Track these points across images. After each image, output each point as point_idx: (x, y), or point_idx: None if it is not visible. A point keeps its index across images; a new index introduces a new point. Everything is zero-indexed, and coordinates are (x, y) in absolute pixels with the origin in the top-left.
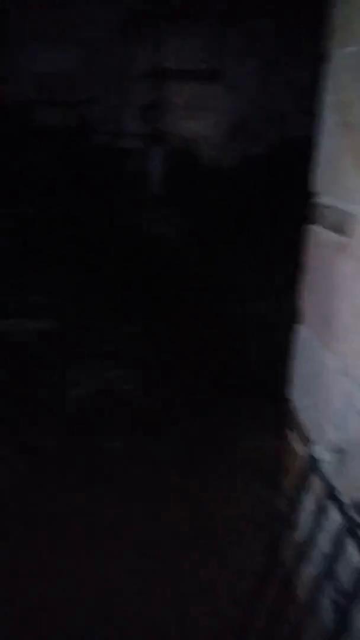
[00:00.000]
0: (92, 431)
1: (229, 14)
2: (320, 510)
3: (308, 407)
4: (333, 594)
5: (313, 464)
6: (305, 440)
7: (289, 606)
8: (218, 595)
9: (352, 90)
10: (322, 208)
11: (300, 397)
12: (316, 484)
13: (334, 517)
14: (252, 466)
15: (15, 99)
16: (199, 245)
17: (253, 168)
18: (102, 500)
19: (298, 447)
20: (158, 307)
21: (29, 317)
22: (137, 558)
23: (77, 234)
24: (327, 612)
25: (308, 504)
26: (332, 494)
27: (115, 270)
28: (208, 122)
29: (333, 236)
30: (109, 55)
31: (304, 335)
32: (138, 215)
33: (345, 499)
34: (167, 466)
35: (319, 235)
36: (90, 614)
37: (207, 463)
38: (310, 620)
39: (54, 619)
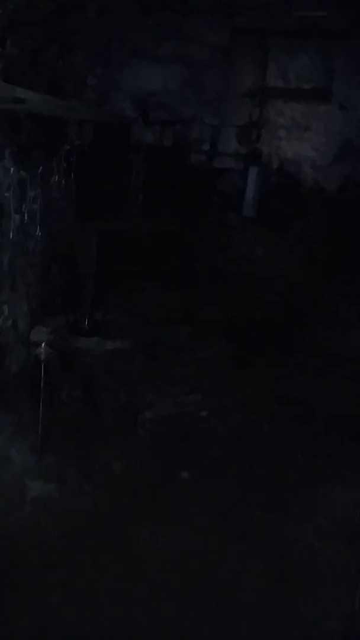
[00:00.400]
0: (163, 456)
1: (339, 32)
2: None
3: None
4: None
5: None
6: None
7: None
8: None
9: None
10: None
11: None
12: None
13: None
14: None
15: (116, 116)
16: (294, 269)
17: (359, 192)
18: (167, 530)
19: None
20: (245, 331)
21: (104, 337)
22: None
23: (168, 252)
24: None
25: None
26: None
27: (202, 291)
28: (312, 142)
29: None
30: (212, 74)
31: None
32: (232, 235)
33: None
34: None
35: None
36: None
37: (280, 510)
38: None
39: None
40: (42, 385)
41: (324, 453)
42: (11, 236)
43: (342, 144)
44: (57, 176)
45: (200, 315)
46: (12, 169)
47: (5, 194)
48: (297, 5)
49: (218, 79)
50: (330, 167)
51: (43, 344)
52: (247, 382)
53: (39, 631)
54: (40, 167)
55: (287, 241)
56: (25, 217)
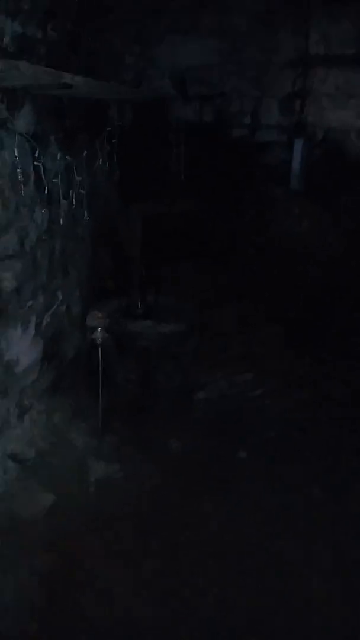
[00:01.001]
0: (218, 436)
1: None
2: None
3: None
4: None
5: None
6: None
7: None
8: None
9: None
10: None
11: None
12: None
13: None
14: None
15: (154, 94)
16: (340, 243)
17: None
18: (224, 510)
19: None
20: (295, 309)
21: (157, 320)
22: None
23: (213, 232)
24: None
25: None
26: None
27: (248, 269)
28: (358, 110)
29: None
30: (251, 45)
31: None
32: (277, 210)
33: None
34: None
35: None
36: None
37: (340, 493)
38: None
39: None
40: (100, 368)
41: None
42: (61, 222)
43: None
44: (100, 159)
45: (248, 294)
46: (58, 154)
47: (54, 180)
48: None
49: (257, 49)
50: None
51: (99, 329)
52: (298, 361)
53: (104, 612)
54: (85, 152)
55: (334, 214)
56: (74, 203)
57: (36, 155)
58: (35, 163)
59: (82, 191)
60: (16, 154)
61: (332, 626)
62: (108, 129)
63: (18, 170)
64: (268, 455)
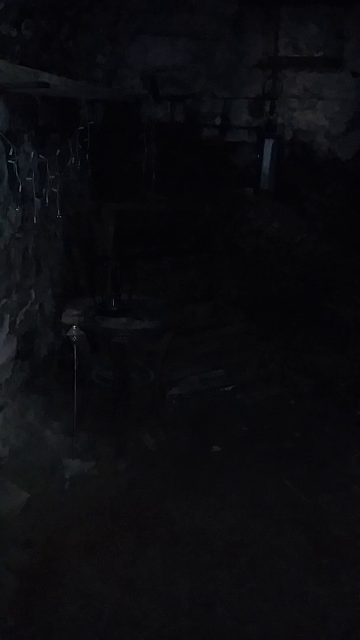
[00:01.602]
0: (192, 431)
1: None
2: None
3: None
4: None
5: None
6: None
7: None
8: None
9: None
10: None
11: None
12: None
13: None
14: None
15: (126, 93)
16: (311, 242)
17: None
18: (199, 504)
19: None
20: (265, 306)
21: (131, 317)
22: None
23: (183, 229)
24: None
25: None
26: None
27: (219, 267)
28: (325, 112)
29: None
30: (221, 46)
31: None
32: (248, 210)
33: None
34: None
35: None
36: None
37: (312, 481)
38: None
39: None
40: (75, 366)
41: (352, 423)
42: (35, 220)
43: (356, 112)
44: (73, 158)
45: (220, 291)
46: (32, 153)
47: (27, 179)
48: None
49: (228, 51)
50: (345, 135)
51: (74, 326)
52: (269, 356)
53: (81, 610)
54: (58, 150)
55: (304, 213)
56: (47, 201)
57: (10, 153)
58: (9, 161)
59: (55, 189)
60: None
61: (305, 605)
62: (80, 127)
63: None
64: (240, 449)
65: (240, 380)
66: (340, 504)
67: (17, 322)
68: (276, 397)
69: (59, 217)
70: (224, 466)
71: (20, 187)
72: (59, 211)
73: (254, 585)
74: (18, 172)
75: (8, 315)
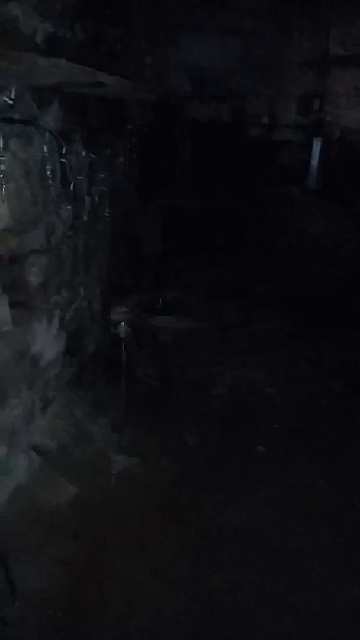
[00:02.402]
0: (232, 430)
1: None
2: None
3: None
4: None
5: None
6: None
7: None
8: None
9: None
10: None
11: None
12: None
13: None
14: None
15: (172, 93)
16: (358, 242)
17: None
18: (242, 503)
19: None
20: (308, 306)
21: (177, 315)
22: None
23: (229, 227)
24: None
25: None
26: None
27: (265, 265)
28: None
29: None
30: (269, 45)
31: None
32: (294, 208)
33: None
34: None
35: None
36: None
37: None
38: None
39: None
40: (123, 363)
41: None
42: (85, 218)
43: None
44: (121, 157)
45: (251, 289)
46: (83, 152)
47: (78, 177)
48: None
49: (275, 49)
50: None
51: (122, 323)
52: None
53: (125, 604)
54: (107, 149)
55: (351, 213)
56: (96, 200)
57: (62, 152)
58: (61, 160)
59: (104, 188)
60: (45, 150)
61: (339, 603)
62: (129, 127)
63: (47, 167)
64: (274, 447)
65: (277, 379)
66: None
67: (67, 318)
68: (308, 396)
69: (107, 216)
70: (260, 465)
71: (71, 185)
72: (107, 210)
73: (287, 582)
74: (69, 171)
75: (58, 312)
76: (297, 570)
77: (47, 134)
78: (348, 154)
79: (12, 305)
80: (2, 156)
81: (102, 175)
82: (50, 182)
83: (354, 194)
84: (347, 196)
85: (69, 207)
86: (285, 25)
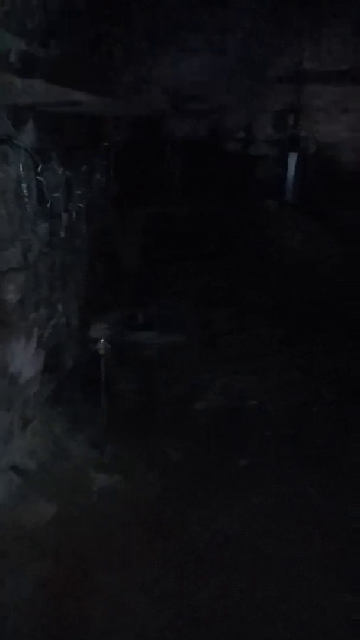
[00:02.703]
0: (217, 444)
1: None
2: None
3: None
4: None
5: None
6: None
7: None
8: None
9: None
10: None
11: None
12: None
13: None
14: None
15: (150, 109)
16: (334, 254)
17: None
18: (225, 516)
19: None
20: (290, 316)
21: (158, 331)
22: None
23: (208, 243)
24: None
25: None
26: None
27: (245, 277)
28: (351, 125)
29: None
30: (245, 61)
31: None
32: (271, 222)
33: None
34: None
35: None
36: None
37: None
38: None
39: None
40: (102, 379)
41: None
42: (62, 235)
43: None
44: (98, 174)
45: (242, 296)
46: (59, 169)
47: (55, 195)
48: None
49: (252, 65)
50: None
51: (102, 340)
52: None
53: (109, 622)
54: (84, 166)
55: (327, 227)
56: (73, 216)
57: (39, 170)
58: (38, 178)
59: (81, 205)
60: (21, 168)
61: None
62: (105, 144)
63: (22, 184)
64: (264, 455)
65: (265, 390)
66: None
67: (45, 335)
68: (299, 404)
69: (85, 232)
70: (248, 475)
71: (48, 203)
72: (84, 226)
73: (279, 590)
74: (46, 189)
75: (36, 329)
76: (288, 579)
77: (23, 152)
78: (324, 169)
79: None
80: None
81: (79, 192)
82: (26, 200)
83: (331, 208)
84: (323, 210)
85: (45, 225)
86: (261, 42)
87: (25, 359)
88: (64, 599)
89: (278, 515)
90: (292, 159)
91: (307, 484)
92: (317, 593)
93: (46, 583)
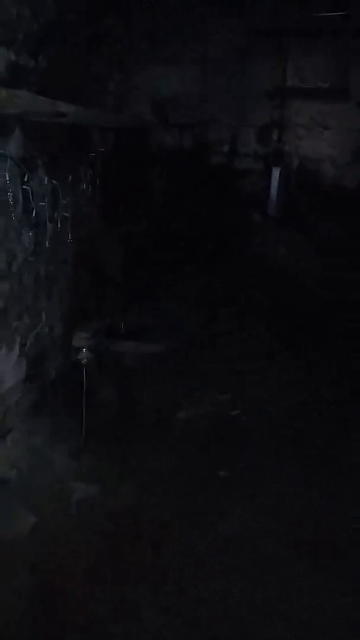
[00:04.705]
0: (198, 455)
1: (355, 31)
2: None
3: None
4: None
5: None
6: None
7: None
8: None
9: None
10: None
11: None
12: None
13: None
14: None
15: (136, 120)
16: (317, 267)
17: None
18: (205, 529)
19: None
20: (273, 329)
21: (140, 340)
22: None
23: (191, 256)
24: None
25: None
26: None
27: (226, 293)
28: (332, 141)
29: None
30: (230, 76)
31: None
32: (254, 235)
33: None
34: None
35: None
36: None
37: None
38: None
39: None
40: (84, 389)
41: None
42: (47, 244)
43: None
44: (84, 183)
45: (225, 313)
46: (45, 178)
47: (40, 204)
48: (315, 4)
49: (236, 80)
50: (350, 164)
51: (84, 349)
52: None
53: (88, 637)
54: (70, 176)
55: (310, 239)
56: (58, 225)
57: (25, 179)
58: (24, 187)
59: (66, 214)
60: (7, 178)
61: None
62: (92, 154)
63: (9, 193)
64: (248, 473)
65: (248, 402)
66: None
67: (28, 344)
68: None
69: (69, 241)
70: (231, 491)
71: (33, 211)
72: (69, 235)
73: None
74: (32, 197)
75: (19, 338)
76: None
77: (9, 161)
78: (307, 183)
79: None
80: None
81: (65, 202)
82: (11, 208)
83: (313, 221)
84: (306, 223)
85: (30, 233)
86: (246, 57)
87: (6, 368)
88: (42, 612)
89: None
90: (276, 173)
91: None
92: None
93: (24, 596)
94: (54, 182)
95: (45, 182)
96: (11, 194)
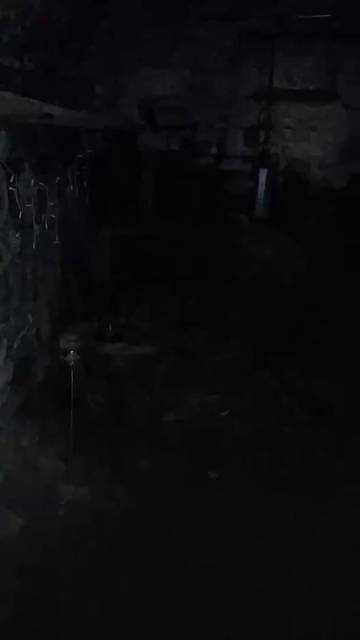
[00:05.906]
0: (188, 456)
1: (342, 34)
2: None
3: None
4: None
5: None
6: None
7: None
8: None
9: None
10: None
11: None
12: None
13: None
14: None
15: (124, 123)
16: (305, 268)
17: None
18: (193, 530)
19: None
20: (258, 331)
21: (128, 342)
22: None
23: (179, 255)
24: None
25: None
26: None
27: (215, 293)
28: (319, 142)
29: None
30: (218, 78)
31: None
32: (242, 236)
33: None
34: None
35: None
36: None
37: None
38: None
39: None
40: (71, 390)
41: (348, 449)
42: (34, 246)
43: (348, 143)
44: (71, 185)
45: (216, 317)
46: (32, 180)
47: (27, 205)
48: (302, 7)
49: (224, 82)
50: (338, 165)
51: (72, 351)
52: (265, 381)
53: (76, 634)
54: (57, 178)
55: (298, 240)
56: (45, 227)
57: (11, 180)
58: (10, 188)
59: (53, 216)
60: None
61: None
62: (79, 156)
63: None
64: (237, 475)
65: (236, 405)
66: (338, 531)
67: (14, 346)
68: (272, 424)
69: (56, 243)
70: (221, 493)
71: (20, 213)
72: (57, 237)
73: (258, 610)
74: (18, 199)
75: (5, 340)
76: (262, 602)
77: None
78: (294, 184)
79: None
80: None
81: (52, 203)
82: None
83: (300, 222)
84: (293, 224)
85: (17, 235)
86: (235, 60)
87: None
88: (30, 615)
89: (249, 533)
90: (263, 175)
91: (280, 504)
92: (296, 613)
93: (12, 599)
94: (41, 184)
95: (32, 184)
96: None
